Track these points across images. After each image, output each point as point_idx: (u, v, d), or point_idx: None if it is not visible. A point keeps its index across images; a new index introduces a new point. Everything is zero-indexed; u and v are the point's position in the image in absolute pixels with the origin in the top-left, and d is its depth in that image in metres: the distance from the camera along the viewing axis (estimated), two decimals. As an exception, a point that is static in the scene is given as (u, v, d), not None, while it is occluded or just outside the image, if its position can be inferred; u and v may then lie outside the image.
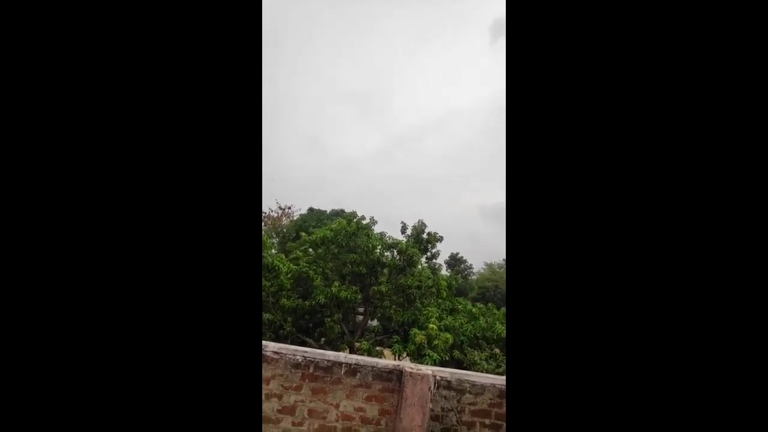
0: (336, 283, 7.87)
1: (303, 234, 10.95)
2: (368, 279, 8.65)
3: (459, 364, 6.78)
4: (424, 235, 9.27)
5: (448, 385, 2.96)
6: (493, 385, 2.99)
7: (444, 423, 2.91)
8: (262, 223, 22.35)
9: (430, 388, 2.86)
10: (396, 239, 9.23)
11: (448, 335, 6.73)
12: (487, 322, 7.73)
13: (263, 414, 2.74)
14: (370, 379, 2.91)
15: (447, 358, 6.65)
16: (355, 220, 9.48)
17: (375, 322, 8.82)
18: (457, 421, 2.91)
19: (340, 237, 8.66)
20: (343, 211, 20.33)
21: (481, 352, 7.28)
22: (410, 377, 2.86)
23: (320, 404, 2.83)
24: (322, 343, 8.03)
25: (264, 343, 2.93)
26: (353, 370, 2.90)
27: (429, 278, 8.71)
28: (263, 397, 2.76)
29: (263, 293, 7.86)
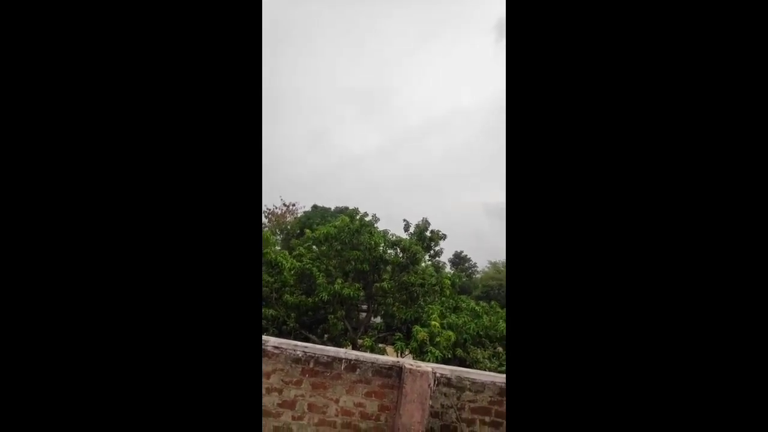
0: (339, 280, 7.90)
1: (307, 231, 10.99)
2: (371, 276, 8.66)
3: (462, 362, 6.78)
4: (427, 233, 9.26)
5: (447, 382, 2.96)
6: (493, 383, 2.99)
7: (444, 420, 2.91)
8: (267, 220, 22.47)
9: (429, 384, 2.86)
10: (399, 237, 9.23)
11: (450, 333, 6.72)
12: (490, 320, 7.71)
13: (263, 408, 2.76)
14: (370, 375, 2.92)
15: (450, 356, 6.65)
16: (358, 217, 9.49)
17: (378, 320, 8.84)
18: (456, 418, 2.92)
19: (343, 234, 8.68)
20: (347, 208, 20.35)
21: (484, 351, 7.27)
22: (410, 374, 2.86)
23: (320, 399, 2.84)
24: (325, 339, 8.07)
25: (264, 338, 2.95)
26: (353, 365, 2.92)
27: (432, 276, 8.70)
28: (263, 391, 2.78)
29: (266, 289, 7.91)
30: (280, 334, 7.40)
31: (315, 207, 23.59)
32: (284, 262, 8.10)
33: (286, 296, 7.92)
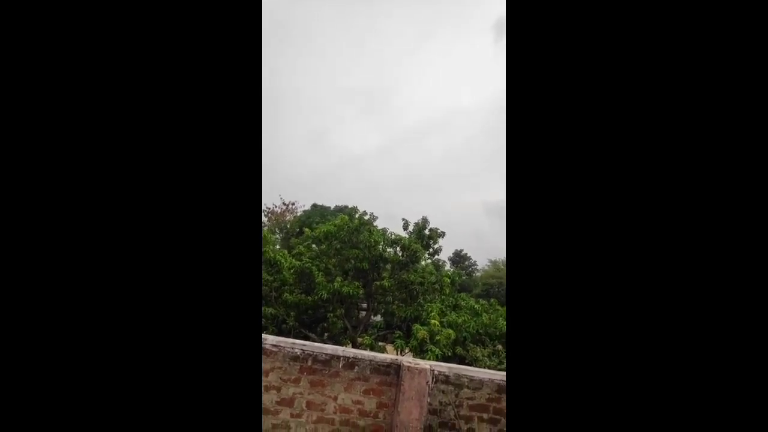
0: (338, 279, 7.90)
1: (306, 229, 10.99)
2: (371, 275, 8.67)
3: (461, 360, 6.79)
4: (426, 231, 9.27)
5: (446, 379, 2.97)
6: (491, 380, 3.01)
7: (442, 417, 2.93)
8: (266, 219, 22.45)
9: (427, 382, 2.88)
10: (399, 235, 9.24)
11: (450, 331, 6.73)
12: (490, 318, 7.72)
13: (262, 405, 2.78)
14: (368, 372, 2.94)
15: (450, 354, 6.66)
16: (357, 216, 9.50)
17: (378, 318, 8.85)
18: (455, 416, 2.93)
19: (342, 233, 8.69)
20: (346, 207, 20.36)
21: (484, 349, 7.27)
22: (408, 371, 2.88)
23: (318, 396, 2.86)
24: (324, 338, 8.08)
25: (263, 336, 2.96)
26: (351, 363, 2.93)
27: (432, 274, 8.71)
28: (262, 389, 2.80)
29: (266, 288, 7.92)
30: (279, 333, 7.41)
31: (314, 206, 23.59)
32: (283, 260, 8.10)
33: (286, 295, 7.93)
